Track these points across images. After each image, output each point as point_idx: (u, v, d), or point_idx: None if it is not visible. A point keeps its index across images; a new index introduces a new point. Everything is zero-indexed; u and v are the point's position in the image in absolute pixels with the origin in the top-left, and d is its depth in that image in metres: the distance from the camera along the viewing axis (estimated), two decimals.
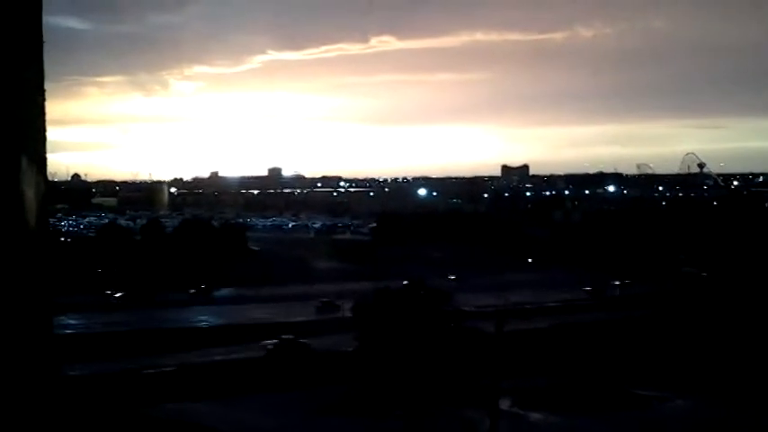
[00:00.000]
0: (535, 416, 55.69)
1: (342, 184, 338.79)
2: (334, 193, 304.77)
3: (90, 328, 78.11)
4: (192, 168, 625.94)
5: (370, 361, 52.90)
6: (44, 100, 4.02)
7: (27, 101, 4.06)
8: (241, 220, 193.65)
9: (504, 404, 54.59)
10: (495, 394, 52.64)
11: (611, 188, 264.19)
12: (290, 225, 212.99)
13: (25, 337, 3.94)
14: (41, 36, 4.14)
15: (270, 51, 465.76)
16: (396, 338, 52.15)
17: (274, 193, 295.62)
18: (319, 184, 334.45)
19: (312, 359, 66.21)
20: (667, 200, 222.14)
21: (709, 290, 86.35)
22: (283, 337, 70.57)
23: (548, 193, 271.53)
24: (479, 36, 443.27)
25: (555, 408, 56.12)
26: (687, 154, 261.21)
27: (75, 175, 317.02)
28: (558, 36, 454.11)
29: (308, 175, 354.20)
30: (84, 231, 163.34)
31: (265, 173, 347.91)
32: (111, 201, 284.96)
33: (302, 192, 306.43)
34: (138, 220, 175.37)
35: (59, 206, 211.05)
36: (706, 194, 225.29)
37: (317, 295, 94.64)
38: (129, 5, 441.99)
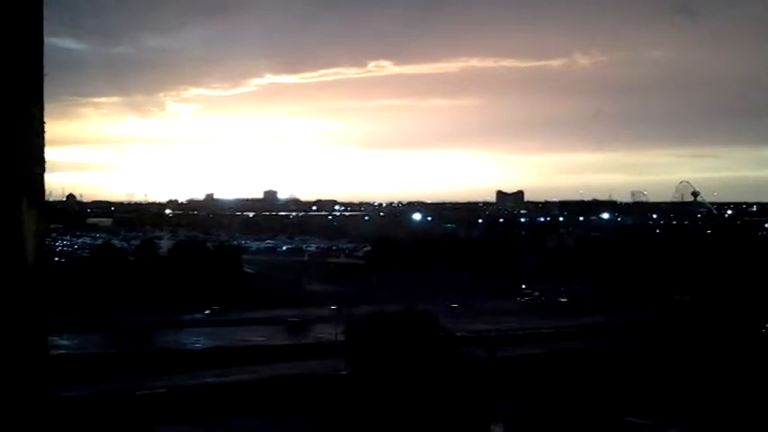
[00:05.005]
0: None
1: (337, 207, 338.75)
2: (329, 217, 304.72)
3: None
4: (187, 190, 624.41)
5: (363, 385, 52.76)
6: (43, 123, 4.08)
7: (26, 123, 4.11)
8: (236, 242, 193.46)
9: (497, 430, 54.45)
10: (487, 420, 52.51)
11: (606, 215, 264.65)
12: (284, 248, 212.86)
13: (21, 356, 3.98)
14: (42, 59, 4.20)
15: (267, 75, 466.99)
16: (388, 363, 52.03)
17: (269, 216, 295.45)
18: (314, 208, 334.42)
19: None
20: (661, 228, 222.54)
21: (700, 317, 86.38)
22: None
23: (542, 219, 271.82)
24: (475, 62, 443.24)
25: None
26: (681, 182, 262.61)
27: (70, 196, 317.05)
28: (554, 63, 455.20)
29: (303, 198, 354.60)
30: (79, 252, 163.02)
31: (261, 195, 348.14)
32: (106, 221, 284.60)
33: (297, 215, 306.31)
34: (133, 241, 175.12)
35: (53, 226, 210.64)
36: (700, 223, 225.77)
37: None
38: (127, 27, 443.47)
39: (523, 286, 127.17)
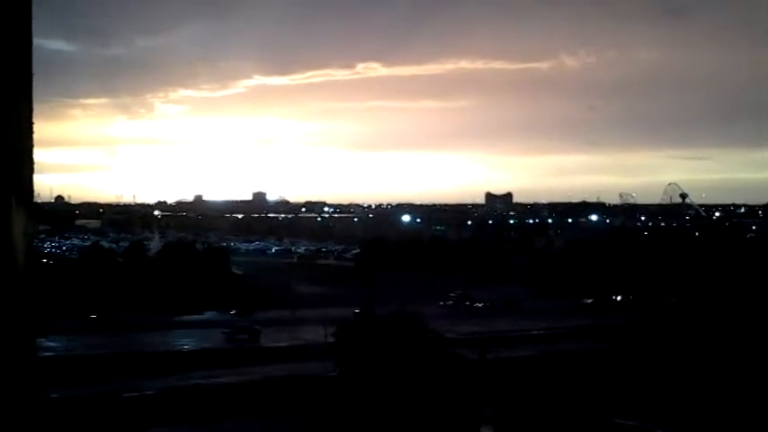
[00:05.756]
0: None
1: (326, 209, 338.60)
2: (318, 219, 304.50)
3: None
4: (176, 191, 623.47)
5: (352, 388, 52.70)
6: (32, 123, 4.07)
7: (15, 123, 4.09)
8: (224, 243, 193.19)
9: None
10: (476, 422, 52.55)
11: (594, 217, 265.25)
12: (273, 250, 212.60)
13: (8, 358, 3.96)
14: (30, 60, 4.19)
15: (256, 76, 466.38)
16: (378, 365, 51.98)
17: (258, 218, 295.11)
18: (303, 209, 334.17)
19: None
20: (649, 230, 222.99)
21: (689, 320, 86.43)
22: None
23: (531, 221, 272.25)
24: (465, 64, 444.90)
25: None
26: (669, 184, 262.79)
27: (59, 197, 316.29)
28: (543, 65, 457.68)
29: (292, 199, 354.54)
30: (67, 253, 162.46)
31: (250, 197, 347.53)
32: (95, 223, 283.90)
33: (286, 216, 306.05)
34: (121, 243, 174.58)
35: (42, 227, 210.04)
36: (688, 225, 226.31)
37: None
38: (116, 28, 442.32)
39: (504, 291, 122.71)
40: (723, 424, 57.13)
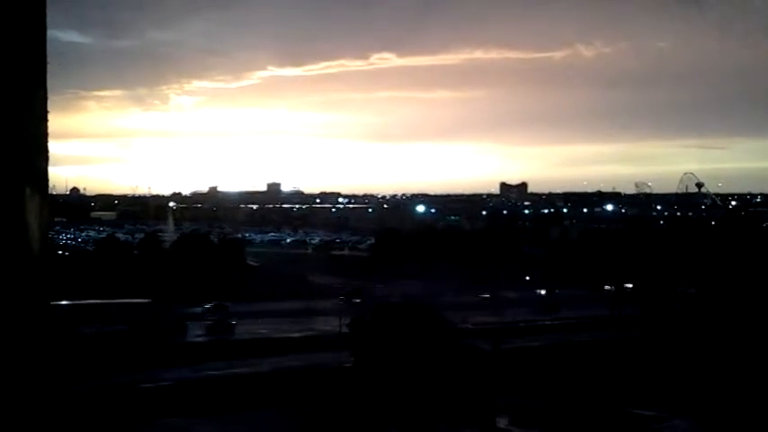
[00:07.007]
0: None
1: (340, 200, 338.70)
2: (333, 209, 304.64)
3: None
4: (190, 183, 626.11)
5: (368, 378, 52.75)
6: (47, 113, 4.05)
7: (29, 114, 4.07)
8: (239, 234, 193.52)
9: (502, 422, 54.52)
10: (492, 412, 52.54)
11: (610, 207, 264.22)
12: (288, 240, 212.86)
13: (24, 350, 3.95)
14: (45, 50, 4.16)
15: (270, 67, 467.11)
16: (393, 355, 52.00)
17: (273, 209, 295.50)
18: (318, 200, 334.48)
19: None
20: (665, 219, 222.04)
21: (705, 309, 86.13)
22: None
23: (546, 211, 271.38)
24: (479, 54, 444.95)
25: (553, 426, 55.99)
26: (685, 173, 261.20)
27: (74, 189, 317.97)
28: (558, 55, 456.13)
29: (306, 190, 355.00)
30: (83, 245, 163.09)
31: (264, 188, 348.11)
32: (110, 215, 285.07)
33: (301, 207, 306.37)
34: (137, 235, 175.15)
35: (57, 219, 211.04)
36: (704, 214, 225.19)
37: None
38: (130, 20, 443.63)
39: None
40: (737, 412, 56.94)
